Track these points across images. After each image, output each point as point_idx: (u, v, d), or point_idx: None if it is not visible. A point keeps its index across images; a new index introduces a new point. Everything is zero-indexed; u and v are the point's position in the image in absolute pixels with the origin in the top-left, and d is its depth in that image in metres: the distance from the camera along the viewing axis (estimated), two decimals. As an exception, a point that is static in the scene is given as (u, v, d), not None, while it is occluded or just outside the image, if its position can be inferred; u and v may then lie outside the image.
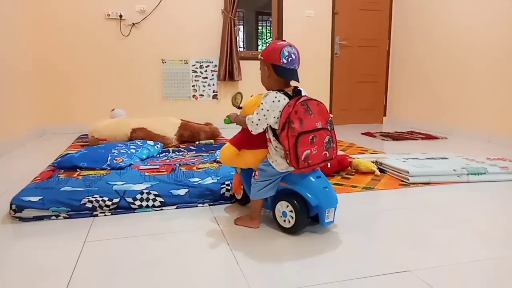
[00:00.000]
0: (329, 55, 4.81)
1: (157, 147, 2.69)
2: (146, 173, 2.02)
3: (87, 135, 3.09)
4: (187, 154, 2.64)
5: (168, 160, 2.40)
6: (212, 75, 4.43)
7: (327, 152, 1.38)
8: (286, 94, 1.37)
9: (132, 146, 2.51)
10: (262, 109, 1.35)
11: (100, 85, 4.11)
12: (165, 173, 2.04)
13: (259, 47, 7.80)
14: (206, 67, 4.41)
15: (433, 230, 1.47)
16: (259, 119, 1.35)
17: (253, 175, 1.46)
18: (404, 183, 2.08)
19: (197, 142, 3.07)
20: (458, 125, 3.94)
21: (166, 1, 4.15)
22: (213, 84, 4.45)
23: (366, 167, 2.26)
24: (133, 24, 4.10)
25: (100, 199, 1.63)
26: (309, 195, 1.35)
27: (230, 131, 3.90)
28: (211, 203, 1.74)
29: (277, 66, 1.37)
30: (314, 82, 4.77)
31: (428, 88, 4.40)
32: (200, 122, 3.41)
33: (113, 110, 3.47)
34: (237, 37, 4.41)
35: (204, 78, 4.43)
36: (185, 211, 1.68)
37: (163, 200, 1.70)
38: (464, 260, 1.21)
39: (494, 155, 2.61)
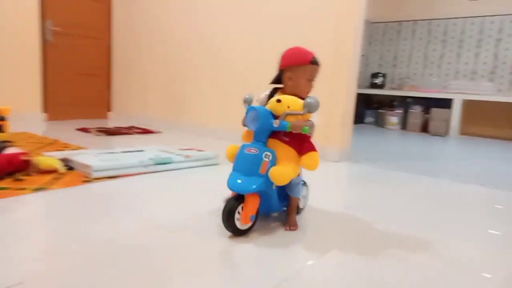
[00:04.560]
0: (38, 41, 4.21)
1: None
2: None
3: None
4: None
5: None
6: None
7: None
8: None
9: None
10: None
11: None
12: None
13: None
14: None
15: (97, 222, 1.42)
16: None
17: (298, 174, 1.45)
18: (88, 179, 1.98)
19: None
20: (175, 119, 4.25)
21: None
22: None
23: (48, 165, 2.02)
24: None
25: None
26: None
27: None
28: None
29: None
30: (17, 71, 4.07)
31: (148, 84, 4.55)
32: None
33: None
34: None
35: None
36: None
37: None
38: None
39: (199, 146, 2.82)
